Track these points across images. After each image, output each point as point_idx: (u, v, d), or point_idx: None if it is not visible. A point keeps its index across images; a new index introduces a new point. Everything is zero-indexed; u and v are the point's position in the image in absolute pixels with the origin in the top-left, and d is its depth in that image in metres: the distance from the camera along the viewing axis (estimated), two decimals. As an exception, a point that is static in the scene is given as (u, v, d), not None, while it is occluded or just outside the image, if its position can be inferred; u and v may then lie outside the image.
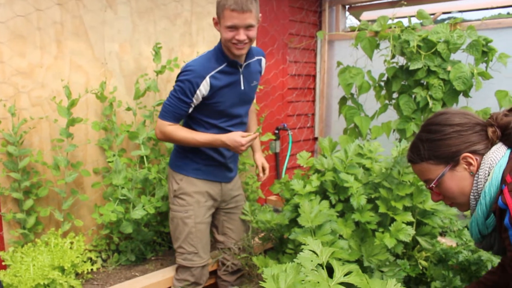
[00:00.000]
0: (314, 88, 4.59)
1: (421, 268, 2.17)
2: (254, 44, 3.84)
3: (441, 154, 1.47)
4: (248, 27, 2.18)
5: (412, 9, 3.84)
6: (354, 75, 3.77)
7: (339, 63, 3.96)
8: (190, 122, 2.47)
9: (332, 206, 2.23)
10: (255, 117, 2.85)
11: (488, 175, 1.39)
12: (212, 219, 2.71)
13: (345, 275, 1.18)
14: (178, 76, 2.35)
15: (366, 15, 4.49)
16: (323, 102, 4.55)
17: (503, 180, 1.34)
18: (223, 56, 2.34)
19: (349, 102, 3.96)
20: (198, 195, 2.53)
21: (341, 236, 2.10)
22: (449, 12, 4.02)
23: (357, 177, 2.28)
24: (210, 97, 2.33)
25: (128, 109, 3.02)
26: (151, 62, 3.13)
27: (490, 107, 3.33)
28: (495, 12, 3.83)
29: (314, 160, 2.41)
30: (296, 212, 2.11)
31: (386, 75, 3.71)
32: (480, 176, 1.41)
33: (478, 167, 1.43)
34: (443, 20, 3.93)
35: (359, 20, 4.42)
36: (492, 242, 1.47)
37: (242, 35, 2.18)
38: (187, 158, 2.52)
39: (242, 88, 2.43)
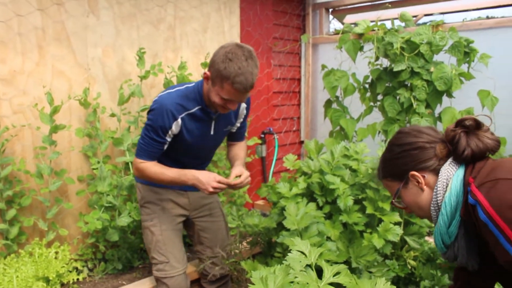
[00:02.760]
0: (299, 92, 4.60)
1: (410, 267, 2.17)
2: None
3: (393, 172, 1.57)
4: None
5: (395, 12, 3.88)
6: (338, 78, 3.79)
7: (323, 66, 3.97)
8: (169, 149, 2.33)
9: (320, 208, 2.22)
10: (242, 154, 2.52)
11: (447, 186, 1.44)
12: (187, 229, 2.63)
13: (334, 275, 1.17)
14: (148, 112, 2.20)
15: (350, 18, 4.52)
16: (308, 105, 4.55)
17: (465, 185, 1.39)
18: (200, 100, 2.18)
19: (334, 105, 3.98)
20: (162, 202, 2.42)
21: (328, 238, 2.09)
22: (431, 14, 4.07)
23: (344, 179, 2.28)
24: (178, 136, 2.21)
25: (112, 115, 2.98)
26: (135, 68, 3.10)
27: (473, 107, 3.36)
28: (476, 14, 3.88)
29: (300, 163, 2.40)
30: (283, 215, 2.09)
31: (370, 77, 3.73)
32: (438, 189, 1.46)
33: (431, 183, 1.49)
34: (425, 22, 3.97)
35: (343, 23, 4.45)
36: (455, 252, 1.49)
37: (232, 106, 2.08)
38: None
39: (212, 133, 2.30)
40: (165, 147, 2.22)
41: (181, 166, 2.26)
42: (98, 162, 2.91)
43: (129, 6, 3.09)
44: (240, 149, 2.54)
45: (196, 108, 2.18)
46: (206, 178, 2.12)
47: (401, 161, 1.52)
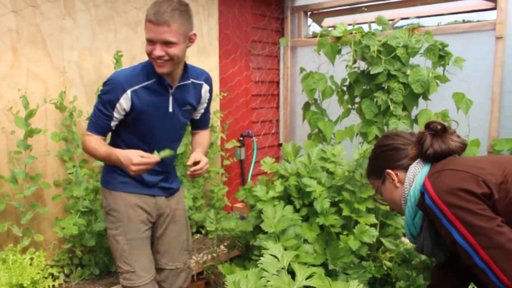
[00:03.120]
0: (278, 94, 4.62)
1: (385, 268, 2.20)
2: (216, 52, 3.85)
3: (374, 171, 1.76)
4: (166, 43, 1.94)
5: (372, 15, 3.91)
6: (317, 81, 3.82)
7: (302, 69, 3.99)
8: (116, 139, 2.24)
9: (297, 210, 2.23)
10: (205, 142, 2.43)
11: (413, 182, 1.60)
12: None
13: (307, 278, 1.18)
14: (102, 86, 2.15)
15: (328, 22, 4.56)
16: (287, 108, 4.57)
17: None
18: (153, 71, 2.09)
19: (312, 108, 4.00)
20: (128, 209, 2.25)
21: (306, 241, 2.10)
22: (408, 18, 4.12)
23: (321, 181, 2.30)
24: (132, 114, 2.09)
25: (89, 118, 2.94)
26: (112, 71, 3.07)
27: (448, 109, 3.42)
28: (452, 17, 3.94)
29: (278, 166, 2.41)
30: (261, 218, 2.10)
31: (348, 80, 3.76)
32: (405, 185, 1.62)
33: (403, 180, 1.65)
34: (402, 26, 4.02)
35: (321, 27, 4.48)
36: (422, 243, 1.60)
37: (158, 51, 1.94)
38: (115, 172, 2.25)
39: (170, 110, 2.17)
40: (113, 123, 2.11)
41: None
42: (74, 166, 2.87)
43: (106, 9, 3.06)
44: (203, 137, 2.45)
45: (152, 81, 2.10)
46: (128, 155, 1.97)
47: (380, 161, 1.72)
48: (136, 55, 3.26)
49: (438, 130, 1.59)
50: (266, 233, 2.01)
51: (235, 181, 4.18)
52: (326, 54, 3.77)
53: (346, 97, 3.84)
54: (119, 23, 3.15)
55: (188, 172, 2.14)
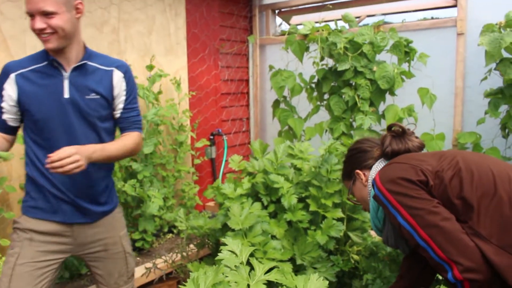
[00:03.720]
0: (247, 93, 4.63)
1: (353, 262, 2.23)
2: (184, 51, 3.84)
3: (346, 173, 1.92)
4: (46, 14, 1.72)
5: (339, 13, 3.96)
6: (286, 78, 3.84)
7: (271, 67, 4.01)
8: (25, 137, 1.93)
9: (265, 207, 2.25)
10: (119, 142, 1.96)
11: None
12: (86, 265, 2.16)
13: (266, 273, 1.19)
14: None
15: (296, 19, 4.59)
16: (257, 106, 4.59)
17: None
18: (46, 53, 1.85)
19: (282, 105, 4.03)
20: (34, 234, 1.91)
21: (274, 237, 2.12)
22: (373, 15, 4.18)
23: (288, 178, 2.32)
24: (22, 102, 1.83)
25: None
26: (77, 71, 3.03)
27: (414, 104, 3.49)
28: (421, 14, 4.01)
29: (245, 163, 2.43)
30: (229, 216, 2.11)
31: (316, 77, 3.80)
32: (369, 183, 1.79)
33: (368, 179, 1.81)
34: (368, 23, 4.08)
35: (289, 24, 4.51)
36: (386, 235, 1.72)
37: (38, 23, 1.72)
38: (27, 193, 1.96)
39: (66, 96, 1.85)
40: (6, 117, 1.86)
41: (39, 150, 1.87)
42: (40, 169, 2.82)
43: (70, 8, 3.01)
44: (122, 138, 1.99)
45: (43, 63, 1.86)
46: None
47: (350, 163, 1.89)
48: (102, 55, 3.22)
49: (399, 132, 1.76)
50: (234, 230, 2.02)
51: (206, 180, 4.17)
52: (294, 52, 3.80)
53: (315, 94, 3.88)
54: (84, 22, 3.11)
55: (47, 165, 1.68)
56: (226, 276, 1.13)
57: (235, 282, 1.10)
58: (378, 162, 1.78)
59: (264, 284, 1.16)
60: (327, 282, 1.25)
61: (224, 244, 2.06)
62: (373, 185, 1.62)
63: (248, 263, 1.30)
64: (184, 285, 1.20)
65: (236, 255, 1.24)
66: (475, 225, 1.44)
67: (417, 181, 1.50)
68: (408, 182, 1.50)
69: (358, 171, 1.83)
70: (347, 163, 1.92)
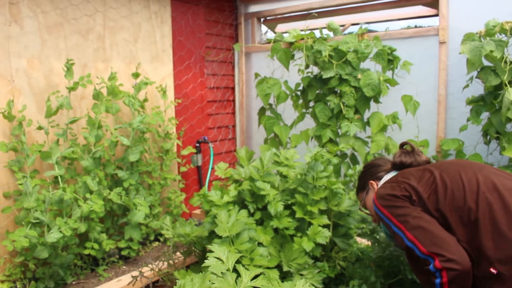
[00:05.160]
0: (233, 100, 4.64)
1: (339, 268, 2.24)
2: (170, 59, 3.84)
3: (360, 185, 2.17)
4: None
5: (324, 21, 4.01)
6: (271, 86, 3.87)
7: (256, 75, 4.04)
8: None
9: (251, 214, 2.25)
10: None
11: None
12: None
13: (252, 279, 1.19)
14: None
15: (281, 27, 4.63)
16: (243, 113, 4.60)
17: None
18: None
19: (268, 113, 4.05)
20: None
21: (260, 244, 2.12)
22: (358, 24, 4.23)
23: (274, 185, 2.33)
24: None
25: (40, 128, 2.88)
26: (63, 79, 3.02)
27: (398, 111, 3.54)
28: (404, 23, 4.08)
29: (232, 171, 2.43)
30: (216, 223, 2.11)
31: (302, 85, 3.83)
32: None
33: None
34: (352, 31, 4.13)
35: (275, 33, 4.54)
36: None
37: None
38: None
39: None
40: None
41: None
42: (24, 177, 2.79)
43: (55, 16, 3.00)
44: None
45: None
46: None
47: (364, 176, 2.15)
48: (87, 62, 3.22)
49: (409, 149, 2.06)
50: (221, 237, 2.02)
51: (192, 188, 4.17)
52: (279, 60, 3.83)
53: (300, 101, 3.91)
54: (69, 30, 3.10)
55: None
56: (213, 283, 1.13)
57: (223, 289, 1.11)
58: (388, 173, 2.05)
59: (251, 291, 1.17)
60: (311, 286, 1.26)
61: (211, 251, 2.06)
62: (373, 203, 1.88)
63: (235, 270, 1.31)
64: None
65: (223, 261, 1.25)
66: (455, 232, 1.65)
67: (401, 195, 1.77)
68: (394, 197, 1.78)
69: (371, 181, 2.09)
70: (362, 176, 2.18)
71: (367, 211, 2.16)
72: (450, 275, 1.55)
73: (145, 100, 3.46)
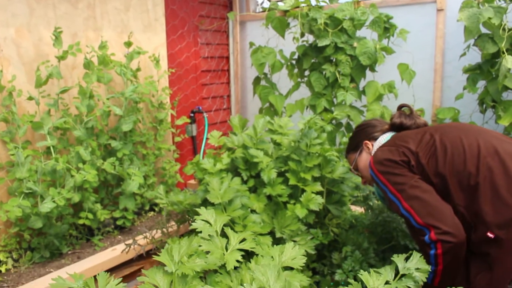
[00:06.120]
0: (228, 70, 4.59)
1: (333, 235, 2.25)
2: (163, 28, 3.77)
3: (353, 145, 2.13)
4: None
5: (319, -12, 3.93)
6: (266, 55, 3.81)
7: (251, 44, 3.98)
8: None
9: (244, 182, 2.24)
10: None
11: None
12: None
13: (240, 242, 1.19)
14: None
15: (276, -4, 4.54)
16: (237, 83, 4.56)
17: None
18: None
19: (263, 82, 4.01)
20: None
21: (254, 211, 2.11)
22: (354, -9, 4.15)
23: (268, 152, 2.31)
24: None
25: (30, 98, 2.84)
26: (53, 48, 2.96)
27: (394, 80, 3.50)
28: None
29: (225, 139, 2.41)
30: (208, 191, 2.10)
31: (297, 54, 3.78)
32: (373, 151, 1.97)
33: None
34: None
35: (269, 1, 4.46)
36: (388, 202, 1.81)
37: None
38: None
39: None
40: None
41: None
42: (16, 148, 2.77)
43: (43, -17, 2.93)
44: None
45: None
46: None
47: (358, 136, 2.11)
48: (77, 31, 3.15)
49: (406, 111, 2.01)
50: (213, 204, 2.01)
51: (187, 158, 4.16)
52: (274, 28, 3.77)
53: (295, 70, 3.86)
54: (58, -2, 3.03)
55: None
56: (200, 246, 1.13)
57: (211, 251, 1.10)
58: (384, 134, 1.99)
59: (240, 253, 1.16)
60: (303, 251, 1.26)
61: (199, 214, 2.06)
62: (369, 166, 1.84)
63: (226, 236, 1.31)
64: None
65: (211, 224, 1.24)
66: (453, 197, 1.64)
67: (400, 161, 1.72)
68: (392, 162, 1.74)
69: (366, 141, 2.04)
70: (355, 136, 2.13)
71: (358, 173, 2.13)
72: (445, 247, 1.56)
73: (138, 69, 3.41)
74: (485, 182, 1.59)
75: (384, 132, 2.02)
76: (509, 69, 2.92)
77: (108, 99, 3.17)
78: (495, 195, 1.57)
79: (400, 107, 2.04)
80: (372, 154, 1.94)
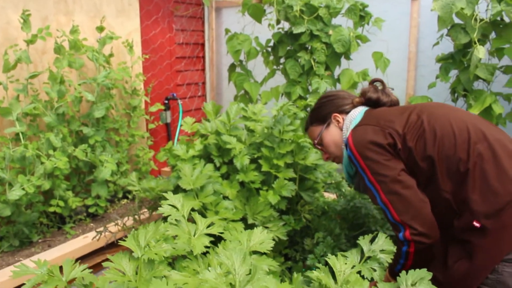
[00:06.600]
0: (203, 57, 4.55)
1: (305, 221, 2.26)
2: (136, 13, 3.70)
3: (319, 117, 1.94)
4: None
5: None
6: (242, 42, 3.79)
7: (227, 31, 3.94)
8: None
9: (217, 168, 2.23)
10: None
11: (349, 126, 1.79)
12: None
13: (208, 226, 1.18)
14: None
15: (253, -18, 4.50)
16: (213, 70, 4.52)
17: None
18: None
19: (238, 69, 3.98)
20: None
21: (226, 198, 2.11)
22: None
23: (241, 139, 2.30)
24: None
25: (-3, 83, 2.77)
26: (21, 32, 2.88)
27: (368, 68, 3.52)
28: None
29: (198, 125, 2.39)
30: (181, 177, 2.08)
31: (272, 41, 3.76)
32: (344, 129, 1.83)
33: (344, 124, 1.85)
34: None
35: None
36: (358, 181, 1.76)
37: None
38: None
39: None
40: None
41: None
42: (-17, 134, 2.70)
43: (11, -37, 2.84)
44: None
45: None
46: None
47: (326, 107, 1.92)
48: (48, 15, 3.07)
49: (378, 85, 1.89)
50: (185, 191, 1.99)
51: (161, 145, 4.10)
52: (251, 15, 3.74)
53: (271, 58, 3.85)
54: (27, -21, 2.95)
55: None
56: (167, 230, 1.12)
57: (177, 235, 1.09)
58: (356, 108, 1.84)
59: (208, 239, 1.15)
60: (272, 235, 1.26)
61: (165, 199, 2.04)
62: (346, 145, 1.69)
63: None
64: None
65: (178, 209, 1.23)
66: (440, 183, 1.56)
67: (386, 145, 1.59)
68: (378, 146, 1.60)
69: (336, 114, 1.87)
70: (321, 107, 1.94)
71: (322, 148, 1.96)
72: (417, 247, 1.52)
73: (111, 55, 3.35)
74: (475, 169, 1.52)
75: (355, 106, 1.87)
76: (480, 59, 2.96)
77: (80, 84, 3.11)
78: (484, 184, 1.51)
79: (372, 82, 1.91)
80: (342, 129, 1.84)
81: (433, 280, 1.64)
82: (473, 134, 1.57)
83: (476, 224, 1.50)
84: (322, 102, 1.95)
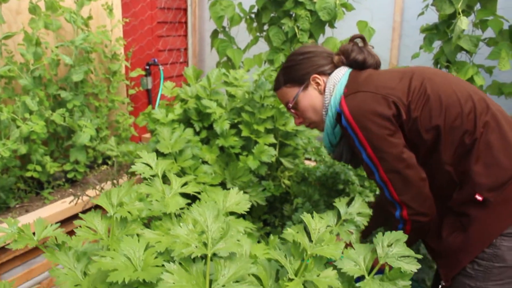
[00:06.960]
0: (185, 22, 4.46)
1: (284, 187, 2.26)
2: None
3: (295, 77, 1.74)
4: None
5: None
6: (225, 8, 3.71)
7: (210, -5, 3.86)
8: None
9: (197, 133, 2.21)
10: None
11: (333, 91, 1.64)
12: None
13: (182, 186, 1.17)
14: None
15: None
16: (195, 36, 4.45)
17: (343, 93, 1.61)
18: None
19: (221, 36, 3.92)
20: None
21: (206, 162, 2.10)
22: None
23: (221, 104, 2.28)
24: None
25: (-30, 43, 2.67)
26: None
27: (352, 37, 3.49)
28: None
29: (178, 90, 2.36)
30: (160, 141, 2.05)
31: (256, 7, 3.70)
32: (326, 93, 1.67)
33: (325, 87, 1.68)
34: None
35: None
36: (340, 151, 1.71)
37: None
38: None
39: None
40: None
41: None
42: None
43: None
44: None
45: None
46: None
47: (303, 66, 1.71)
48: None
49: (360, 42, 1.71)
50: (164, 155, 1.97)
51: (142, 111, 4.06)
52: (234, -20, 3.66)
53: (254, 24, 3.79)
54: None
55: None
56: (140, 189, 1.10)
57: (150, 194, 1.08)
58: (338, 70, 1.67)
59: (184, 201, 1.14)
60: (248, 196, 1.25)
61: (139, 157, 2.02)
62: (340, 114, 1.54)
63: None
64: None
65: (151, 167, 1.21)
66: (442, 155, 1.49)
67: (391, 116, 1.46)
68: (381, 118, 1.45)
69: (316, 75, 1.69)
70: (297, 65, 1.73)
71: (297, 111, 1.79)
72: (414, 226, 1.50)
73: (90, 17, 3.25)
74: (480, 141, 1.46)
75: (336, 66, 1.70)
76: (463, 30, 2.95)
77: (57, 47, 3.02)
78: (489, 156, 1.45)
79: (353, 38, 1.72)
80: (324, 93, 1.67)
81: (428, 248, 1.67)
82: (477, 104, 1.49)
83: (478, 197, 1.45)
84: (298, 60, 1.73)
